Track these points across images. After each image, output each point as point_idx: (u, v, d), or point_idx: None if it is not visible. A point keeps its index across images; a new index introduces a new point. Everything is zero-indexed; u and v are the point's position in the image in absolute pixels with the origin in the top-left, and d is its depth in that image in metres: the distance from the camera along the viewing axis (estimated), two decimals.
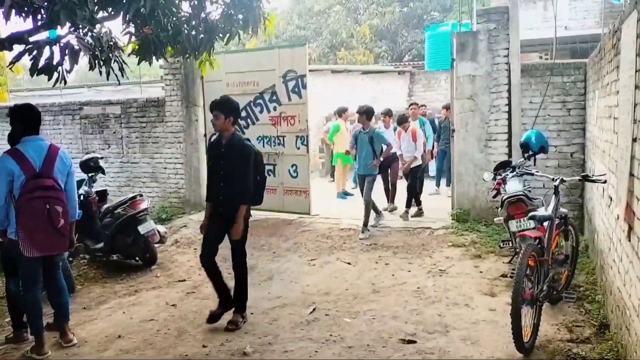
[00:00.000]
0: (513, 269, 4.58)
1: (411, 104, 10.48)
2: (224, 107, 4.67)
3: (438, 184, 10.43)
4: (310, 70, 8.76)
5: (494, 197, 5.67)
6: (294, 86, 8.40)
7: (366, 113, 7.78)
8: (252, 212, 8.82)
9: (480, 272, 5.76)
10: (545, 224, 4.47)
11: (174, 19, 5.54)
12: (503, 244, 5.42)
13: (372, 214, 7.72)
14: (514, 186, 5.25)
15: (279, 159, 8.64)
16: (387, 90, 15.56)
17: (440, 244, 6.81)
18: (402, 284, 5.49)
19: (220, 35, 5.90)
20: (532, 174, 5.15)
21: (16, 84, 18.85)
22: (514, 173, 5.35)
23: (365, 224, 7.40)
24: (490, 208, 7.23)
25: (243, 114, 8.89)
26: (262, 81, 8.65)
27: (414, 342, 4.14)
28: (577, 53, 11.79)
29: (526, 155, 5.48)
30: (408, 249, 6.69)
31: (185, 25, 5.64)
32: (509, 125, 7.37)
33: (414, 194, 8.42)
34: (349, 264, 6.22)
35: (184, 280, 6.07)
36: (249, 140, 4.83)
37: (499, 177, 5.52)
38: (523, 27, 8.53)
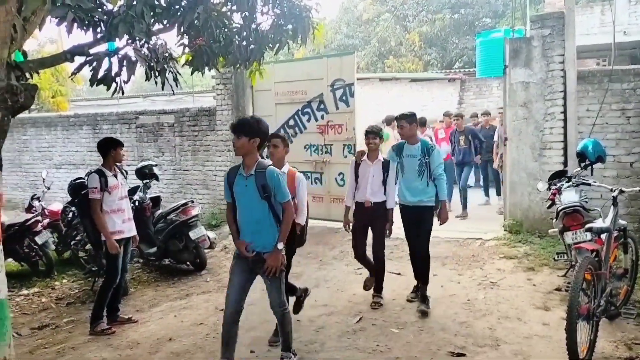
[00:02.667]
0: (568, 283, 4.42)
1: (455, 115, 10.36)
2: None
3: (487, 194, 10.17)
4: (358, 79, 8.77)
5: (549, 207, 5.48)
6: (341, 95, 8.42)
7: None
8: None
9: (534, 285, 5.57)
10: (603, 236, 4.28)
11: (226, 30, 5.67)
12: (558, 257, 5.23)
13: None
14: (569, 197, 5.07)
15: (325, 167, 8.67)
16: (437, 98, 15.36)
17: (492, 256, 6.63)
18: (451, 296, 5.38)
19: (270, 45, 6.00)
20: (589, 184, 4.96)
21: (76, 94, 19.75)
22: (570, 183, 5.16)
23: None
24: (545, 219, 6.99)
25: (291, 122, 9.01)
26: (310, 90, 8.73)
27: (464, 355, 4.04)
28: (637, 59, 11.30)
29: (583, 164, 5.27)
30: (457, 260, 6.55)
31: (236, 36, 5.77)
32: (565, 134, 7.13)
33: None
34: (399, 274, 6.14)
35: None
36: None
37: (554, 187, 5.34)
38: (579, 33, 8.27)
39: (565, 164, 7.04)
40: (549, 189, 5.44)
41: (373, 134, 5.22)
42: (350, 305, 5.24)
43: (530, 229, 7.31)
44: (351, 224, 5.40)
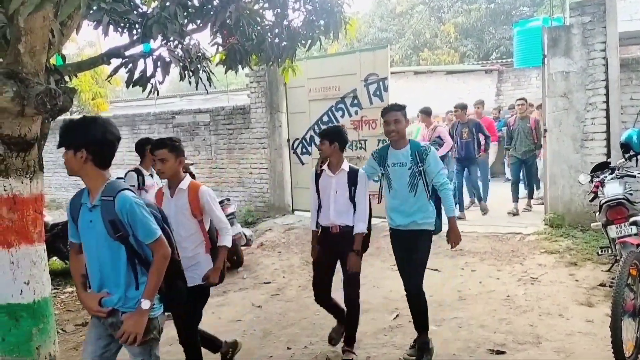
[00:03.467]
0: (613, 278, 4.26)
1: (456, 106, 9.09)
2: None
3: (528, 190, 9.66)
4: (392, 73, 8.69)
5: (591, 200, 5.31)
6: (375, 89, 8.36)
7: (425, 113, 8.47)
8: None
9: (576, 280, 5.41)
10: None
11: (258, 28, 5.70)
12: (601, 251, 5.07)
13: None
14: (613, 189, 4.89)
15: (360, 163, 8.60)
16: (473, 90, 15.06)
17: (532, 251, 6.47)
18: (490, 292, 5.27)
19: (302, 41, 6.00)
20: (634, 176, 4.77)
21: (115, 95, 20.22)
22: (614, 175, 4.99)
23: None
24: (587, 212, 6.77)
25: (324, 118, 9.00)
26: (343, 85, 8.69)
27: (503, 352, 3.95)
28: None
29: (627, 155, 5.08)
30: (497, 256, 6.42)
31: (268, 34, 5.79)
32: (607, 124, 6.88)
33: None
34: (437, 270, 6.05)
35: (269, 282, 6.20)
36: None
37: (596, 179, 5.17)
38: (621, 19, 7.96)
39: (608, 155, 6.80)
40: (591, 181, 5.26)
41: (322, 136, 4.06)
42: (386, 302, 5.20)
43: (572, 222, 7.09)
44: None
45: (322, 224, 4.10)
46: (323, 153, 4.07)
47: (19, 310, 3.50)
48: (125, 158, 11.55)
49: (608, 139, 6.87)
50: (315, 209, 4.14)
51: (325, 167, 4.08)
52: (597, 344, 3.95)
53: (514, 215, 8.25)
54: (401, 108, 3.93)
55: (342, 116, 8.76)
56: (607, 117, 6.86)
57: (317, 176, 4.12)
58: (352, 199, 3.96)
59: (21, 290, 3.49)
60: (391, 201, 3.98)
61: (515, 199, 8.55)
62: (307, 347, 4.27)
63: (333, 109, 8.86)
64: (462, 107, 8.65)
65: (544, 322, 4.47)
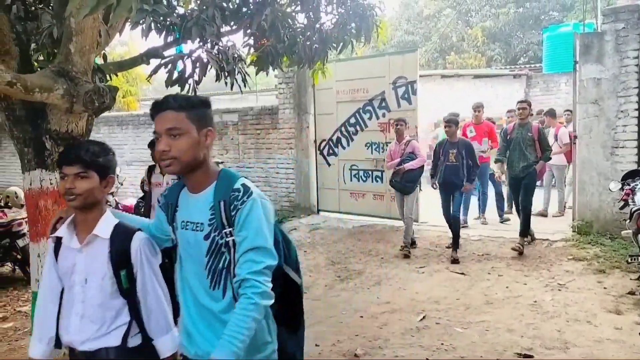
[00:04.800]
0: None
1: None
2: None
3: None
4: (419, 76, 8.71)
5: (621, 208, 5.28)
6: (403, 92, 8.40)
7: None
8: (358, 217, 8.91)
9: (604, 288, 5.37)
10: None
11: (290, 30, 5.80)
12: (631, 259, 5.03)
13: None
14: None
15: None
16: (501, 95, 14.98)
17: (559, 257, 6.44)
18: (517, 297, 5.28)
19: (334, 44, 6.08)
20: None
21: (144, 94, 20.62)
22: None
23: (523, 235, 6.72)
24: (617, 220, 6.71)
25: (352, 120, 9.07)
26: (371, 88, 8.75)
27: (531, 356, 3.97)
28: None
29: None
30: (523, 261, 6.40)
31: (300, 36, 5.89)
32: (639, 132, 6.81)
33: None
34: (463, 274, 6.07)
35: None
36: None
37: (627, 187, 5.14)
38: None
39: (639, 163, 6.73)
40: (621, 189, 5.23)
41: None
42: (413, 303, 5.24)
43: (600, 230, 7.03)
44: None
45: None
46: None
47: None
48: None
49: (639, 147, 6.81)
50: None
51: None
52: (626, 351, 3.94)
53: (520, 253, 6.56)
54: (183, 107, 1.90)
55: (370, 118, 8.82)
56: (639, 124, 6.80)
57: None
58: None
59: None
60: (183, 309, 2.05)
61: (524, 232, 6.82)
62: (335, 344, 4.34)
63: (361, 111, 8.93)
64: (456, 123, 6.86)
65: (572, 328, 4.46)
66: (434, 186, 7.02)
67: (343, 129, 9.19)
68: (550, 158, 7.01)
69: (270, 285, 1.84)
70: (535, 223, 8.09)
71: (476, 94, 14.39)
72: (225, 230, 1.88)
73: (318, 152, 9.61)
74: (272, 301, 1.84)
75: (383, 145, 8.68)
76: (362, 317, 4.90)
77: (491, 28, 22.94)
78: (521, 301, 5.15)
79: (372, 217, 8.87)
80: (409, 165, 6.85)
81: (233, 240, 1.88)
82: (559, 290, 5.41)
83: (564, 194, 8.94)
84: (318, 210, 9.64)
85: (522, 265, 6.27)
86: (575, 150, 7.46)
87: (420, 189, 7.23)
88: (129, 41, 18.77)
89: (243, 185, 1.91)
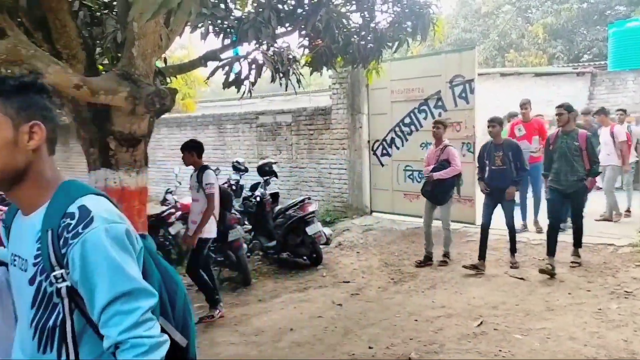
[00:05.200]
0: None
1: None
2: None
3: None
4: (477, 74, 8.48)
5: None
6: (461, 91, 8.21)
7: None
8: (411, 219, 8.78)
9: None
10: None
11: (345, 30, 5.79)
12: None
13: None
14: None
15: None
16: (563, 94, 14.37)
17: (626, 263, 6.11)
18: (580, 304, 5.04)
19: (389, 43, 6.02)
20: None
21: (200, 96, 21.13)
22: None
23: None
24: None
25: (406, 120, 8.95)
26: (427, 87, 8.60)
27: None
28: None
29: None
30: (587, 267, 6.11)
31: (355, 36, 5.87)
32: None
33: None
34: (522, 279, 5.86)
35: (348, 282, 6.26)
36: None
37: None
38: None
39: None
40: None
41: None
42: (469, 308, 5.11)
43: None
44: None
45: None
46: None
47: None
48: (211, 156, 12.08)
49: None
50: None
51: None
52: None
53: (551, 276, 5.82)
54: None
55: (425, 118, 8.67)
56: None
57: None
58: None
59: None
60: None
61: (552, 251, 5.99)
62: (389, 347, 4.29)
63: (416, 110, 8.79)
64: (500, 122, 6.35)
65: None
66: (484, 190, 6.46)
67: (397, 129, 9.08)
68: (599, 173, 6.42)
69: (158, 328, 1.35)
70: (600, 227, 7.74)
71: (537, 93, 13.87)
72: (55, 273, 1.32)
73: (371, 152, 9.54)
74: (167, 346, 1.35)
75: None
76: (416, 320, 4.82)
77: (553, 24, 22.09)
78: (584, 308, 4.92)
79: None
80: (437, 175, 6.44)
81: (68, 286, 1.33)
82: (626, 298, 5.13)
83: (615, 197, 8.32)
84: (371, 211, 9.57)
85: (586, 271, 5.99)
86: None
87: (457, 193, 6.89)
88: (188, 44, 19.28)
89: (81, 207, 1.33)
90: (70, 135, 14.91)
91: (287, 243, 7.10)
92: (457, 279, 6.06)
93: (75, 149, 14.86)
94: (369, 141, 9.53)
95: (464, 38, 23.92)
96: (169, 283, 1.55)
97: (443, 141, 6.64)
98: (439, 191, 6.55)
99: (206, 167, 5.22)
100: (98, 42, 4.30)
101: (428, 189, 6.65)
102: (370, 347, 4.30)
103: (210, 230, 5.22)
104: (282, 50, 5.12)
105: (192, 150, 5.25)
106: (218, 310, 5.28)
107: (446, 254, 6.74)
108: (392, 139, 9.18)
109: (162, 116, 4.28)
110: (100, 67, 4.26)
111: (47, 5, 3.23)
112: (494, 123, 6.26)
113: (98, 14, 4.41)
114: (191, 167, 5.40)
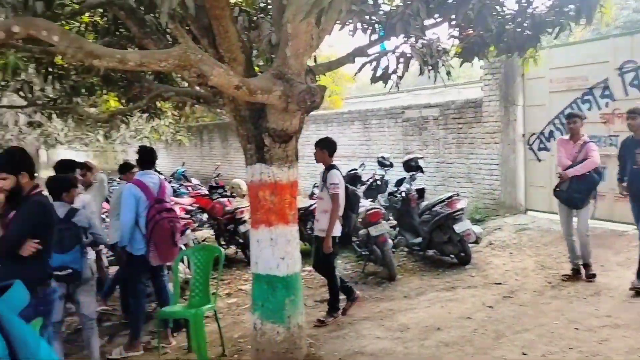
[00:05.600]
0: None
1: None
2: None
3: None
4: None
5: None
6: (632, 78, 7.35)
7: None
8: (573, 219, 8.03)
9: None
10: None
11: (499, 17, 5.48)
12: None
13: None
14: None
15: (608, 161, 7.66)
16: None
17: None
18: None
19: (548, 29, 5.58)
20: None
21: (347, 92, 21.55)
22: None
23: None
24: None
25: (567, 112, 8.22)
26: (591, 75, 7.83)
27: None
28: None
29: None
30: None
31: (509, 23, 5.53)
32: None
33: None
34: None
35: (500, 283, 5.95)
36: None
37: None
38: None
39: None
40: None
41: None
42: None
43: None
44: None
45: None
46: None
47: (275, 282, 4.02)
48: (356, 151, 12.28)
49: None
50: None
51: None
52: None
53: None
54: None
55: (590, 109, 7.89)
56: None
57: None
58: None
59: (278, 264, 4.00)
60: None
61: None
62: (544, 355, 3.99)
63: (579, 101, 8.04)
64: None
65: None
66: (623, 193, 5.64)
67: (557, 121, 8.39)
68: None
69: None
70: None
71: None
72: None
73: (527, 146, 8.93)
74: None
75: (605, 139, 7.71)
76: (577, 329, 4.42)
77: None
78: None
79: (591, 220, 7.92)
80: (572, 171, 5.59)
81: None
82: None
83: None
84: (525, 210, 8.97)
85: None
86: None
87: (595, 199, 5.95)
88: (334, 42, 19.79)
89: None
90: (229, 132, 16.20)
91: (434, 240, 6.95)
92: (625, 286, 5.44)
93: (234, 145, 16.07)
94: (524, 135, 8.94)
95: (635, 19, 21.30)
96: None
97: (581, 136, 5.84)
98: (575, 191, 5.68)
99: (333, 167, 5.24)
100: (255, 44, 4.58)
101: (563, 188, 5.76)
102: (524, 354, 4.03)
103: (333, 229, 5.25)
104: (432, 42, 4.99)
105: (324, 148, 5.29)
106: (332, 318, 5.21)
107: (586, 266, 5.82)
108: (551, 132, 8.51)
109: (311, 113, 4.43)
110: (257, 68, 4.54)
111: (213, 13, 3.50)
112: (634, 114, 5.32)
113: (255, 18, 4.70)
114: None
